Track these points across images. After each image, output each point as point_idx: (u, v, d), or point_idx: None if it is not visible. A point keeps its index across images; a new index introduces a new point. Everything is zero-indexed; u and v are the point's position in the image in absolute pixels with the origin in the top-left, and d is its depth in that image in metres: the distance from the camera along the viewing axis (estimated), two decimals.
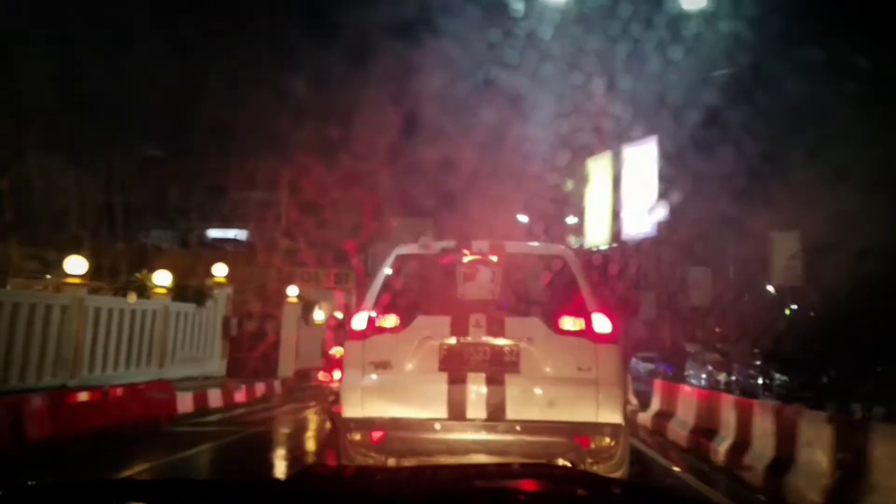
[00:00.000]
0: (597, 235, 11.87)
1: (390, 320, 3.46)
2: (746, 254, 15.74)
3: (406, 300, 3.57)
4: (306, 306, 14.46)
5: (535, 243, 4.06)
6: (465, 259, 3.63)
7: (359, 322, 3.51)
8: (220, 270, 11.45)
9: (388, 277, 3.64)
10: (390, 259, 3.73)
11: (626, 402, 3.67)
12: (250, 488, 1.44)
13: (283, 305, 14.09)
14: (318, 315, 14.91)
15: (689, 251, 15.29)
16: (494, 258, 3.61)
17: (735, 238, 15.91)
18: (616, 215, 11.00)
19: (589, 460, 3.33)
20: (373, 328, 3.47)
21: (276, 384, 11.54)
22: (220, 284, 11.56)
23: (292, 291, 14.00)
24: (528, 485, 1.44)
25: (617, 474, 3.29)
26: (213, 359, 11.18)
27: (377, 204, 15.95)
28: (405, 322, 3.45)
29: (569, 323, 3.41)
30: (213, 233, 19.50)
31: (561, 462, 3.39)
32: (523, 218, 14.91)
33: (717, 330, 19.17)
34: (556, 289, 3.62)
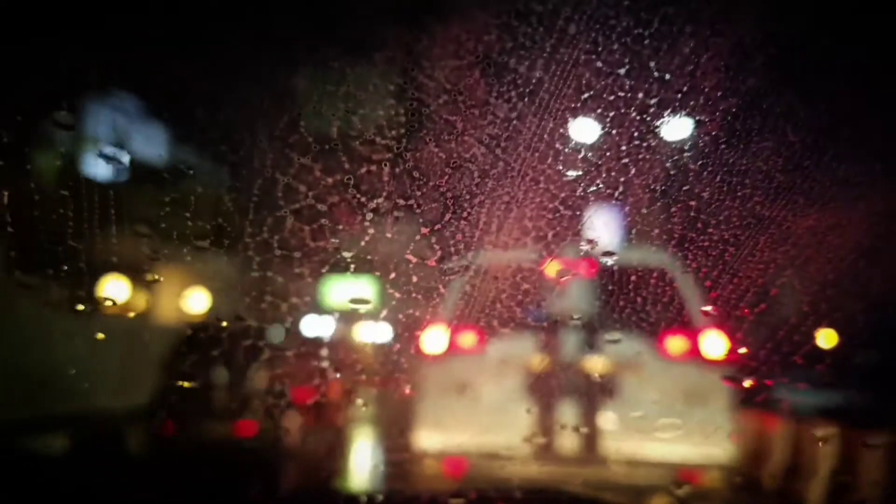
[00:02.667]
0: None
1: (468, 338, 3.40)
2: None
3: (485, 315, 3.41)
4: None
5: (635, 249, 3.91)
6: (552, 268, 3.47)
7: (432, 340, 3.42)
8: None
9: (462, 288, 3.50)
10: (462, 266, 3.59)
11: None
12: None
13: None
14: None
15: None
16: (585, 266, 3.44)
17: None
18: None
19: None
20: (448, 347, 3.39)
21: None
22: None
23: None
24: None
25: None
26: None
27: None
28: (484, 340, 3.37)
29: (675, 344, 3.35)
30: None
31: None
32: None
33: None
34: (661, 303, 3.44)
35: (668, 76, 5.58)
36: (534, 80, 5.60)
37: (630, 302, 3.40)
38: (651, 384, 3.29)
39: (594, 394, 3.27)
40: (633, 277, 3.48)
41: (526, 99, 5.27)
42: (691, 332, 3.31)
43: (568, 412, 3.22)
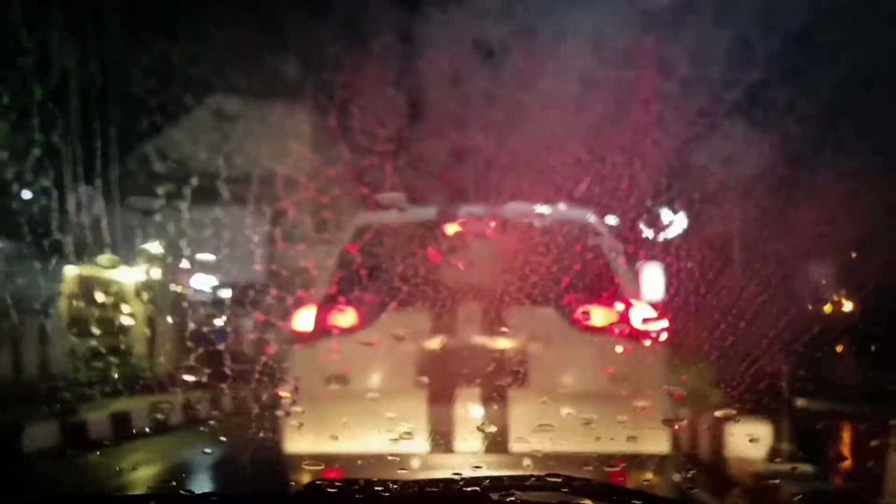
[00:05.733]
0: None
1: (348, 316, 2.89)
2: None
3: (370, 288, 2.94)
4: None
5: (548, 205, 3.31)
6: (451, 229, 3.03)
7: (304, 319, 2.95)
8: None
9: (343, 258, 3.05)
10: (349, 232, 3.13)
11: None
12: (256, 501, 1.56)
13: None
14: None
15: None
16: (492, 227, 3.01)
17: None
18: None
19: None
20: (323, 327, 2.89)
21: None
22: None
23: None
24: (547, 497, 1.54)
25: None
26: None
27: None
28: (368, 318, 2.86)
29: (596, 315, 2.84)
30: None
31: None
32: None
33: None
34: (578, 267, 2.99)
35: (671, 66, 5.69)
36: (535, 69, 5.70)
37: (543, 266, 2.96)
38: (567, 363, 2.82)
39: (499, 377, 2.78)
40: (547, 238, 3.03)
41: (527, 87, 5.36)
42: (617, 299, 2.85)
43: (468, 400, 2.75)
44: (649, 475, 2.78)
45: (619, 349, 2.82)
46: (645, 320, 2.86)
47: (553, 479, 2.19)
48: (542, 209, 3.21)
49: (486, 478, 2.61)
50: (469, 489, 1.71)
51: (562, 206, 3.32)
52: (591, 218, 3.17)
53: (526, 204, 3.21)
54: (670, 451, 2.86)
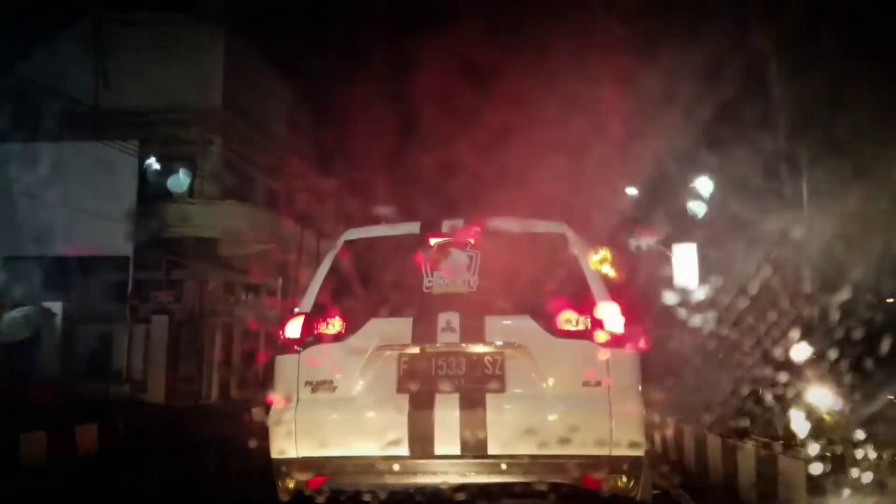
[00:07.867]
0: None
1: (334, 325, 2.91)
2: None
3: (355, 298, 2.99)
4: None
5: (527, 219, 3.37)
6: (433, 241, 3.08)
7: (292, 328, 2.96)
8: None
9: (331, 269, 3.11)
10: (337, 246, 3.22)
11: (645, 427, 3.01)
12: None
13: None
14: None
15: None
16: (471, 239, 3.05)
17: None
18: None
19: None
20: (311, 336, 2.91)
21: None
22: None
23: None
24: None
25: None
26: None
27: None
28: (353, 327, 2.89)
29: (570, 321, 2.84)
30: None
31: None
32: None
33: None
34: (554, 277, 3.01)
35: (649, 85, 5.72)
36: (523, 88, 5.72)
37: (522, 276, 3.02)
38: (544, 369, 2.79)
39: (480, 383, 2.78)
40: (526, 249, 3.10)
41: (516, 106, 5.39)
42: (589, 306, 2.85)
43: (449, 405, 2.73)
44: (629, 480, 2.76)
45: (595, 355, 2.82)
46: (620, 326, 2.88)
47: (539, 487, 2.16)
48: (521, 222, 3.32)
49: (474, 486, 2.55)
50: (457, 497, 1.67)
51: (540, 219, 3.40)
52: (567, 230, 3.23)
53: (506, 217, 3.30)
54: (650, 455, 2.92)
